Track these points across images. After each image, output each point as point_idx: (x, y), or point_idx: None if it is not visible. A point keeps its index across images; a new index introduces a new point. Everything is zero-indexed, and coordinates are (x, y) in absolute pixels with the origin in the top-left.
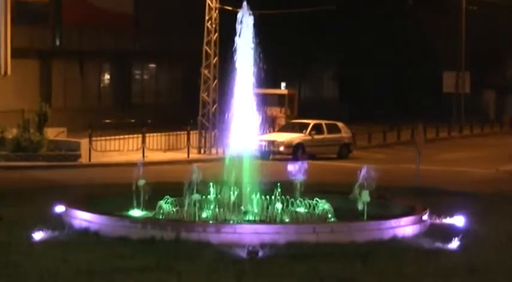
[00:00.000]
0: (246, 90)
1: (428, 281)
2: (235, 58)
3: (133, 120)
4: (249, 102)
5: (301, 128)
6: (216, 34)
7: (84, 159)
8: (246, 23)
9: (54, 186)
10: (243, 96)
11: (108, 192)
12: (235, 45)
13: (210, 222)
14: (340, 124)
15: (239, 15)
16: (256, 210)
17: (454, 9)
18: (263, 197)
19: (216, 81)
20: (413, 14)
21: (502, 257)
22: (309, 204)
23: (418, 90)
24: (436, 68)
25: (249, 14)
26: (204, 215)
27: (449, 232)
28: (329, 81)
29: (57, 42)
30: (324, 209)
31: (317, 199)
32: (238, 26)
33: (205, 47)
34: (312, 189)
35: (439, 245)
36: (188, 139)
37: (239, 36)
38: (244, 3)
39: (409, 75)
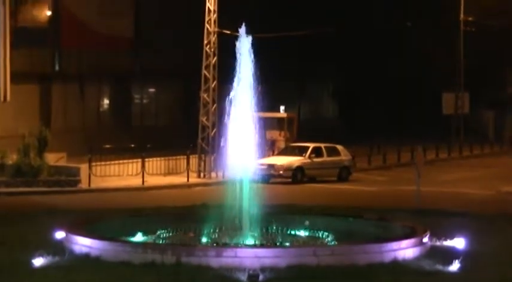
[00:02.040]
0: (245, 113)
1: None
2: (234, 83)
3: (133, 145)
4: (249, 125)
5: (300, 151)
6: (215, 58)
7: (84, 185)
8: (244, 48)
9: (55, 211)
10: (242, 119)
11: (108, 218)
12: (234, 70)
13: (211, 245)
14: (339, 147)
15: (238, 43)
16: (256, 234)
17: (453, 30)
18: (264, 221)
19: (215, 105)
20: (412, 34)
21: (506, 276)
22: (310, 228)
23: (418, 110)
24: (436, 87)
25: (247, 39)
26: (204, 239)
27: (450, 254)
28: (329, 99)
29: (57, 66)
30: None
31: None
32: (237, 51)
33: (204, 71)
34: (313, 212)
35: (439, 267)
36: (188, 163)
37: (238, 61)
38: (242, 29)
39: (409, 95)
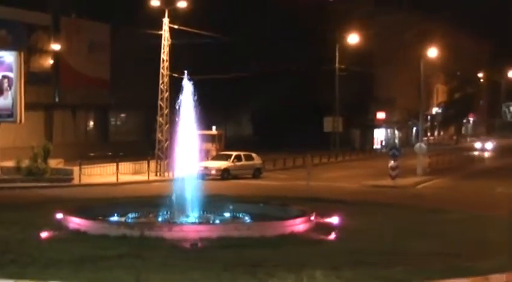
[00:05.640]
0: (188, 131)
1: (316, 259)
2: (180, 110)
3: (110, 153)
4: (191, 139)
5: (227, 157)
6: (167, 92)
7: (76, 181)
8: (187, 86)
9: (55, 200)
10: (186, 135)
11: (92, 204)
12: (180, 101)
13: (165, 223)
14: (253, 154)
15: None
16: (196, 215)
17: (332, 74)
18: (201, 206)
19: (167, 125)
20: (304, 75)
21: (369, 243)
22: (233, 211)
23: (307, 128)
24: (319, 113)
25: (189, 80)
26: (160, 219)
27: (329, 228)
28: (247, 121)
29: (57, 99)
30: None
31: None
32: (183, 87)
33: (159, 102)
34: (237, 199)
35: (322, 236)
36: (148, 166)
37: (183, 94)
38: (185, 73)
39: (301, 119)
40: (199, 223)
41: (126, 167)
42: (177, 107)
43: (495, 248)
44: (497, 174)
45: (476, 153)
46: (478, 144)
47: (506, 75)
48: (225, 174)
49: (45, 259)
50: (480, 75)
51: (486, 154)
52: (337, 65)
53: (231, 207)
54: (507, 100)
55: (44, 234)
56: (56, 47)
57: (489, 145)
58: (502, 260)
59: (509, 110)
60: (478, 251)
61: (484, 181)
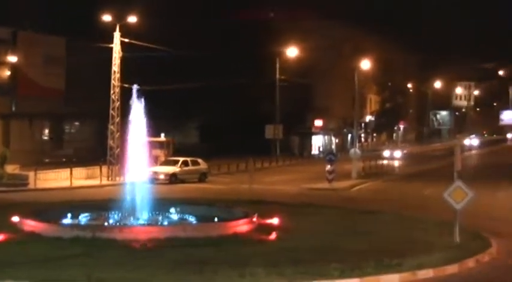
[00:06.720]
0: (138, 138)
1: (258, 257)
2: (131, 118)
3: (64, 160)
4: (141, 146)
5: (174, 162)
6: (118, 102)
7: (31, 186)
8: (137, 96)
9: (12, 204)
10: (137, 142)
11: (47, 208)
12: (131, 110)
13: (116, 225)
14: (199, 160)
15: (133, 92)
16: (145, 217)
17: (273, 84)
18: (151, 208)
19: (118, 133)
20: (247, 87)
21: (308, 242)
22: (180, 212)
23: (250, 136)
24: (261, 121)
25: (139, 91)
26: (111, 221)
27: (270, 228)
28: (194, 129)
29: (14, 108)
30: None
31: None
32: (133, 98)
33: (111, 111)
34: (184, 202)
35: (263, 236)
36: (101, 171)
37: (134, 104)
38: (135, 85)
39: (245, 127)
40: (149, 225)
41: (79, 172)
42: (127, 116)
43: (422, 246)
44: (425, 178)
45: (385, 162)
46: (386, 153)
47: (433, 86)
48: (172, 178)
49: (0, 260)
50: (409, 86)
51: (396, 162)
52: (277, 76)
53: (178, 209)
54: (434, 109)
55: (0, 237)
56: (13, 59)
57: (398, 153)
58: (428, 256)
59: (436, 118)
60: (407, 249)
61: (413, 184)
